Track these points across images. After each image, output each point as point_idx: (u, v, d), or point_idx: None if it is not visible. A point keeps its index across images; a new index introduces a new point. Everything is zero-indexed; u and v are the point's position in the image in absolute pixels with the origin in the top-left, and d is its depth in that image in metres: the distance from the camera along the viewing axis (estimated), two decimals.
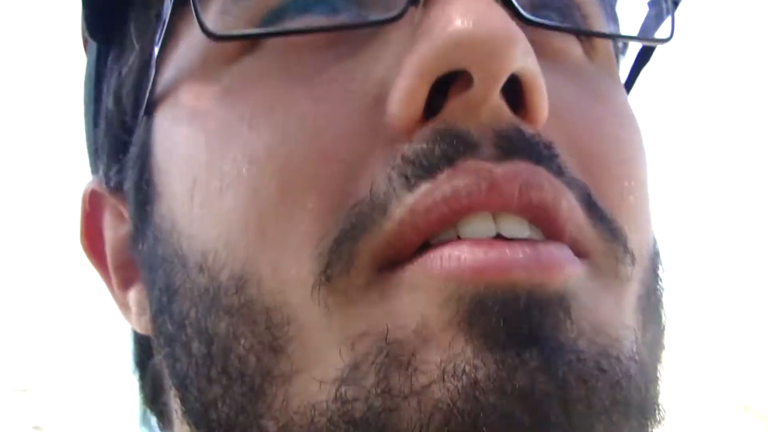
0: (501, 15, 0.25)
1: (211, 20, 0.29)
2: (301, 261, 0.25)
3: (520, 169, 0.25)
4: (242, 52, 0.29)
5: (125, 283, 0.37)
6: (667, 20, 0.33)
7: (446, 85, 0.25)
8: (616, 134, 0.29)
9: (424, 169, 0.25)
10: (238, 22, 0.29)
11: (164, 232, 0.30)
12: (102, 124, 0.38)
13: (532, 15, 0.29)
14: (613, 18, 0.35)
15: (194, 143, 0.29)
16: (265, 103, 0.27)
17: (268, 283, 0.26)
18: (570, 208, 0.26)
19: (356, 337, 0.25)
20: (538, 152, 0.26)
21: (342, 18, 0.29)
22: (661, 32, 0.34)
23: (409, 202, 0.24)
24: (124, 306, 0.37)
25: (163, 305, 0.30)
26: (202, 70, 0.30)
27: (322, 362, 0.25)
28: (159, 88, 0.32)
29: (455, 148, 0.25)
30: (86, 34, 0.37)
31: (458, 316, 0.24)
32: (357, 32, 0.28)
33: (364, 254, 0.25)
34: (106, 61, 0.37)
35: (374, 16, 0.28)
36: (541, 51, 0.28)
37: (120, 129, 0.35)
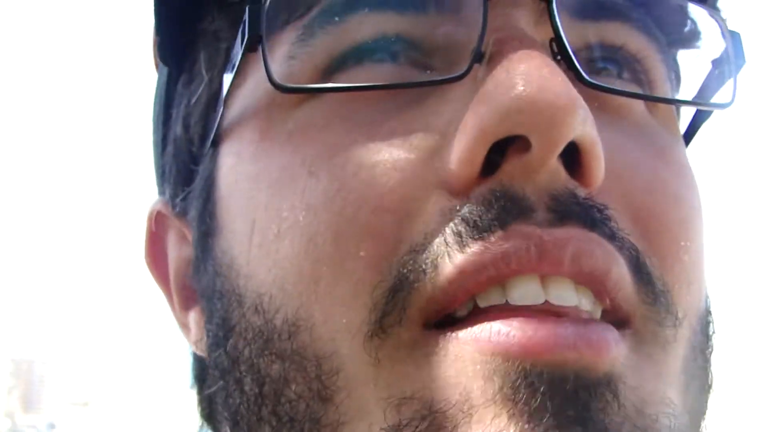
0: (562, 80, 0.25)
1: (278, 64, 0.30)
2: (353, 310, 0.26)
3: (571, 235, 0.25)
4: (307, 98, 0.30)
5: (186, 304, 0.38)
6: (729, 82, 0.33)
7: (505, 144, 0.26)
8: (675, 192, 0.30)
9: (478, 229, 0.25)
10: (303, 66, 0.30)
11: (224, 267, 0.31)
12: (170, 149, 0.39)
13: (593, 72, 0.30)
14: (675, 71, 0.36)
15: (256, 184, 0.30)
16: (325, 149, 0.28)
17: (320, 331, 0.26)
18: (619, 274, 0.26)
19: (401, 399, 0.25)
20: (592, 216, 0.26)
21: (404, 68, 0.30)
22: (722, 95, 0.34)
23: (460, 262, 0.25)
24: (185, 326, 0.38)
25: (219, 339, 0.31)
26: (268, 111, 0.31)
27: (367, 418, 0.25)
28: (226, 122, 0.33)
29: (509, 211, 0.25)
30: (157, 59, 0.38)
31: (503, 392, 0.23)
32: (423, 76, 0.29)
33: (415, 307, 0.25)
34: (176, 85, 0.38)
35: (438, 69, 0.29)
36: (602, 107, 0.29)
37: (188, 156, 0.37)
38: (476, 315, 0.25)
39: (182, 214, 0.37)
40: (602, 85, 0.29)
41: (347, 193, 0.27)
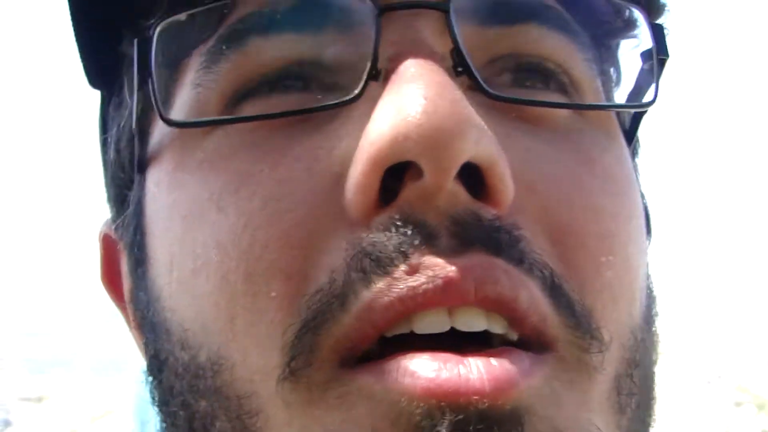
0: (452, 99, 0.25)
1: (186, 91, 0.30)
2: (267, 351, 0.26)
3: (475, 263, 0.25)
4: (215, 127, 0.30)
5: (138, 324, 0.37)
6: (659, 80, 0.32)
7: (402, 170, 0.25)
8: (596, 203, 0.28)
9: (380, 264, 0.25)
10: (209, 94, 0.30)
11: (153, 298, 0.31)
12: (108, 172, 0.38)
13: (515, 84, 0.30)
14: (607, 66, 0.35)
15: (170, 216, 0.30)
16: (232, 182, 0.28)
17: (240, 371, 0.27)
18: (530, 299, 0.25)
19: None
20: (497, 240, 0.25)
21: (313, 93, 0.29)
22: (651, 92, 0.32)
23: (367, 299, 0.25)
24: (139, 344, 0.37)
25: (154, 371, 0.31)
26: (181, 140, 0.31)
27: None
28: (149, 149, 0.32)
29: (410, 240, 0.25)
30: (87, 82, 0.37)
31: None
32: (323, 100, 0.28)
33: (325, 347, 0.25)
34: (108, 108, 0.37)
35: (345, 89, 0.28)
36: (521, 117, 0.28)
37: (120, 181, 0.36)
38: (385, 348, 0.25)
39: (121, 239, 0.37)
40: (504, 96, 0.28)
41: (254, 230, 0.27)
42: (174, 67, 0.31)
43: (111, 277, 0.39)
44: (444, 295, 0.24)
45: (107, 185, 0.39)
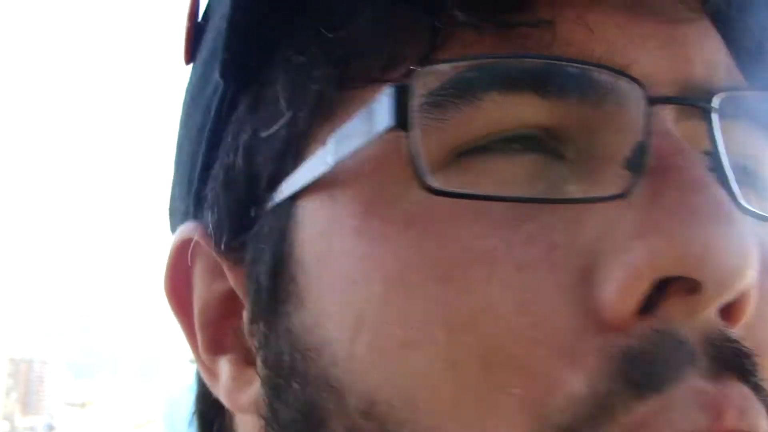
0: (741, 228, 0.25)
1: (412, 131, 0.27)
2: None
3: (735, 393, 0.25)
4: (439, 167, 0.27)
5: (214, 347, 0.35)
6: None
7: (666, 280, 0.25)
8: None
9: (652, 380, 0.24)
10: (431, 142, 0.27)
11: (308, 347, 0.29)
12: (221, 176, 0.34)
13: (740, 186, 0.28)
14: None
15: (363, 271, 0.28)
16: (459, 254, 0.26)
17: None
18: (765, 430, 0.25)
19: None
20: (746, 368, 0.25)
21: (543, 159, 0.27)
22: None
23: (640, 414, 0.24)
24: (209, 371, 0.35)
25: (298, 425, 0.29)
26: (377, 179, 0.28)
27: None
28: (305, 173, 0.29)
29: (675, 357, 0.24)
30: (217, 74, 0.33)
31: None
32: (564, 172, 0.27)
33: None
34: (233, 107, 0.34)
35: (575, 162, 0.27)
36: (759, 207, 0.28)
37: (246, 193, 0.33)
38: None
39: (230, 253, 0.33)
40: (759, 213, 0.27)
41: (496, 318, 0.25)
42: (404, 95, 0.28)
43: (177, 287, 0.36)
44: (716, 424, 0.24)
45: (213, 189, 0.35)
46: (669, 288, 0.25)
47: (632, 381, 0.24)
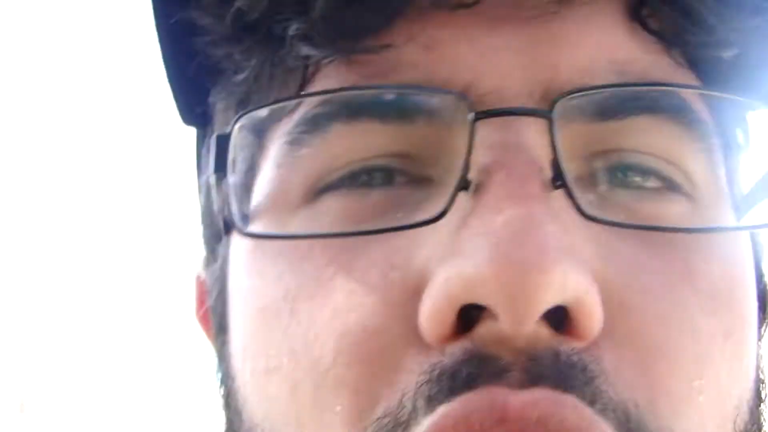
0: (540, 241, 0.24)
1: (269, 168, 0.30)
2: None
3: (539, 398, 0.24)
4: (301, 204, 0.29)
5: None
6: None
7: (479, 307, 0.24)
8: (695, 323, 0.27)
9: (446, 393, 0.24)
10: (291, 178, 0.29)
11: (230, 373, 0.31)
12: (200, 213, 0.37)
13: (613, 183, 0.28)
14: (732, 148, 0.32)
15: (246, 304, 0.30)
16: (307, 287, 0.27)
17: None
18: None
19: None
20: (571, 377, 0.24)
21: (399, 191, 0.28)
22: None
23: (427, 425, 0.24)
24: None
25: (229, 429, 0.31)
26: (271, 211, 0.30)
27: None
28: (236, 211, 0.31)
29: (479, 373, 0.24)
30: (181, 119, 0.36)
31: None
32: (407, 200, 0.28)
33: None
34: (202, 145, 0.36)
35: (437, 184, 0.27)
36: (631, 216, 0.28)
37: (211, 228, 0.35)
38: None
39: (208, 290, 0.36)
40: (601, 218, 0.26)
41: (324, 342, 0.26)
42: (259, 134, 0.30)
43: (205, 315, 0.37)
44: (500, 423, 0.24)
45: (202, 225, 0.38)
46: (482, 313, 0.24)
47: (429, 398, 0.24)
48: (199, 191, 0.37)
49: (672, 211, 0.29)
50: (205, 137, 0.35)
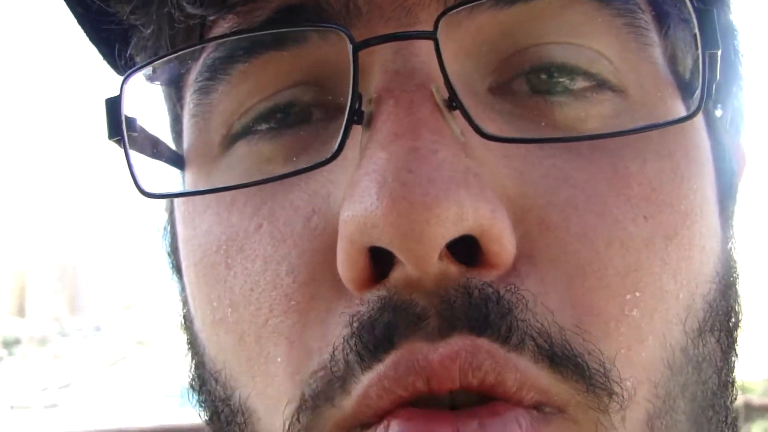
0: (430, 169, 0.23)
1: (187, 119, 0.30)
2: (279, 415, 0.26)
3: (458, 349, 0.23)
4: (220, 153, 0.29)
5: None
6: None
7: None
8: (625, 233, 0.25)
9: (371, 349, 0.24)
10: (208, 126, 0.29)
11: (188, 315, 0.32)
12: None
13: (533, 81, 0.26)
14: (660, 19, 0.29)
15: (186, 256, 0.30)
16: (236, 237, 0.27)
17: (264, 425, 0.28)
18: (520, 379, 0.24)
19: None
20: (484, 315, 0.23)
21: (313, 127, 0.27)
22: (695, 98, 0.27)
23: (364, 385, 0.24)
24: None
25: (196, 382, 0.32)
26: (196, 160, 0.30)
27: None
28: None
29: (396, 324, 0.24)
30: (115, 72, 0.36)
31: None
32: (321, 136, 0.27)
33: (325, 426, 0.25)
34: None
35: (342, 111, 0.25)
36: (552, 123, 0.26)
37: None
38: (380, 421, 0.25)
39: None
40: (497, 136, 0.25)
41: (260, 293, 0.26)
42: (176, 85, 0.31)
43: None
44: (429, 386, 0.23)
45: None
46: (394, 257, 0.24)
47: (359, 354, 0.24)
48: None
49: (597, 113, 0.26)
50: None
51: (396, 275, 0.24)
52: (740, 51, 0.33)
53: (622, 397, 0.25)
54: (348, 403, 0.25)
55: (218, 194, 0.28)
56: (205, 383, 0.30)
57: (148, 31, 0.30)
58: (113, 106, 0.29)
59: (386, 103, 0.24)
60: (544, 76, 0.27)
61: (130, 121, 0.29)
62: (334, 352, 0.25)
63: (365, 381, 0.24)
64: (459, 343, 0.23)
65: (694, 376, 0.27)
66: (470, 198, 0.23)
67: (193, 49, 0.28)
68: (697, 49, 0.26)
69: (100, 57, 0.34)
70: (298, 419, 0.26)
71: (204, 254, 0.29)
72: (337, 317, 0.25)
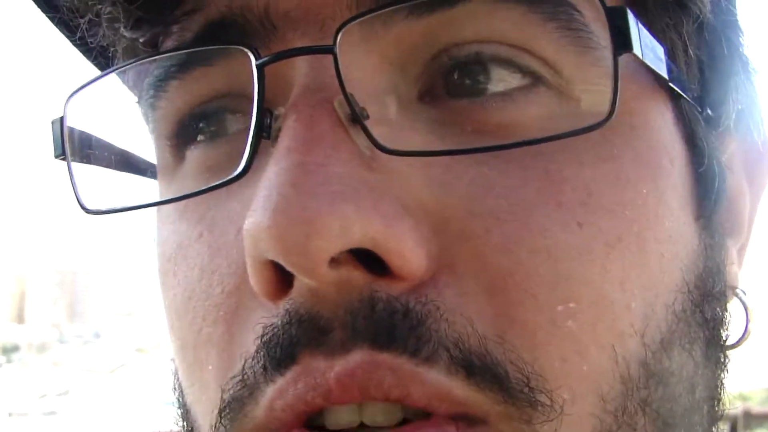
0: (314, 185, 0.23)
1: (149, 135, 0.31)
2: (209, 421, 0.27)
3: (356, 366, 0.23)
4: (175, 165, 0.29)
5: None
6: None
7: None
8: (554, 241, 0.24)
9: (275, 362, 0.24)
10: (159, 128, 0.30)
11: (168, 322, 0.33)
12: None
13: (449, 91, 0.25)
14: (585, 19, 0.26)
15: (154, 264, 0.31)
16: (182, 245, 0.28)
17: (200, 429, 0.29)
18: (428, 392, 0.23)
19: None
20: (389, 329, 0.23)
21: (240, 138, 0.27)
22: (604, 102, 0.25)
23: (269, 397, 0.24)
24: None
25: (175, 381, 0.32)
26: (161, 178, 0.31)
27: None
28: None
29: (299, 338, 0.24)
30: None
31: None
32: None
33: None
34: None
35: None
36: (479, 129, 0.25)
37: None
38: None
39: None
40: (397, 150, 0.24)
41: (195, 303, 0.27)
42: (140, 101, 0.31)
43: None
44: (328, 400, 0.24)
45: None
46: None
47: (263, 365, 0.24)
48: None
49: (528, 115, 0.25)
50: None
51: (297, 285, 0.24)
52: (742, 47, 0.31)
53: (552, 408, 0.24)
54: (258, 413, 0.25)
55: (173, 204, 0.29)
56: (176, 390, 0.31)
57: (106, 42, 0.31)
58: (58, 127, 0.30)
59: (289, 118, 0.24)
60: (470, 77, 0.25)
61: (85, 139, 0.30)
62: (245, 361, 0.25)
63: (270, 393, 0.24)
64: (357, 359, 0.23)
65: (659, 392, 0.26)
66: (358, 212, 0.23)
67: (123, 67, 0.29)
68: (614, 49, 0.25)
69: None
70: (221, 423, 0.26)
71: (161, 262, 0.29)
72: (252, 327, 0.25)
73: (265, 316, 0.25)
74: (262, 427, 0.25)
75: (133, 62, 0.29)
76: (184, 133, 0.29)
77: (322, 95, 0.24)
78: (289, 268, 0.23)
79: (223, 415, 0.26)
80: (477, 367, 0.23)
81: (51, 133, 0.30)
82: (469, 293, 0.24)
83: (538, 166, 0.25)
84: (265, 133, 0.25)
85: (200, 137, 0.29)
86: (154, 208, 0.31)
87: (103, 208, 0.29)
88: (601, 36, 0.25)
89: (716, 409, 0.29)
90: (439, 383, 0.23)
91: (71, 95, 0.30)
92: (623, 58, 0.25)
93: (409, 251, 0.23)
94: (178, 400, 0.31)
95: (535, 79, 0.25)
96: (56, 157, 0.30)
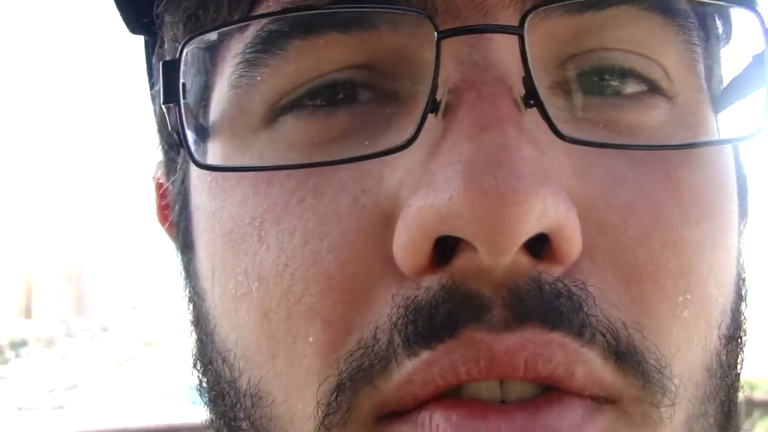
0: (515, 170, 0.23)
1: (223, 90, 0.29)
2: (306, 397, 0.26)
3: (527, 340, 0.23)
4: (261, 126, 0.28)
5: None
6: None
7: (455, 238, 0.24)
8: (678, 237, 0.26)
9: (425, 335, 0.24)
10: (250, 98, 0.28)
11: (198, 293, 0.31)
12: (156, 121, 0.36)
13: (588, 91, 0.27)
14: (712, 39, 0.30)
15: (212, 227, 0.29)
16: (274, 211, 0.27)
17: (280, 410, 0.27)
18: (588, 373, 0.24)
19: None
20: (556, 310, 0.24)
21: (363, 110, 0.27)
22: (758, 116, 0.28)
23: (408, 370, 0.24)
24: None
25: (199, 363, 0.31)
26: (225, 136, 0.29)
27: None
28: (192, 143, 0.29)
29: (459, 314, 0.23)
30: (127, 29, 0.35)
31: None
32: (373, 119, 0.26)
33: (363, 408, 0.25)
34: (152, 53, 0.35)
35: (403, 100, 0.26)
36: (610, 126, 0.26)
37: (168, 138, 0.34)
38: (424, 406, 0.25)
39: (172, 201, 0.35)
40: (581, 139, 0.25)
41: (295, 269, 0.26)
42: (211, 52, 0.29)
43: (165, 214, 0.37)
44: (489, 372, 0.23)
45: (156, 132, 0.37)
46: (459, 245, 0.24)
47: (407, 338, 0.24)
48: (152, 100, 0.36)
49: (652, 118, 0.27)
50: (155, 46, 0.34)
51: (462, 263, 0.24)
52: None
53: (675, 394, 0.25)
54: (388, 387, 0.24)
55: (259, 157, 0.28)
56: (212, 362, 0.30)
57: None
58: (172, 69, 0.28)
59: (468, 94, 0.24)
60: (604, 77, 0.27)
61: (184, 87, 0.28)
62: (376, 332, 0.25)
63: (409, 366, 0.24)
64: (529, 335, 0.23)
65: (723, 382, 0.28)
66: (552, 198, 0.23)
67: (275, 17, 0.27)
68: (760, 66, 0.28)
69: (118, 17, 0.33)
70: (336, 400, 0.25)
71: (235, 226, 0.28)
72: (384, 298, 0.25)
73: (402, 288, 0.24)
74: (388, 401, 0.25)
75: (292, 13, 0.27)
76: (292, 96, 0.27)
77: (497, 73, 0.25)
78: (482, 248, 0.23)
79: (342, 389, 0.25)
80: (623, 354, 0.24)
81: (162, 76, 0.28)
82: (609, 281, 0.25)
83: (659, 166, 0.26)
84: (431, 105, 0.25)
85: (310, 103, 0.27)
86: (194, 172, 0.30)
87: (220, 165, 0.28)
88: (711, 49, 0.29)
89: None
90: (597, 365, 0.24)
91: (192, 37, 0.28)
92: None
93: (576, 238, 0.24)
94: (221, 374, 0.29)
95: (656, 87, 0.27)
96: (164, 103, 0.28)
